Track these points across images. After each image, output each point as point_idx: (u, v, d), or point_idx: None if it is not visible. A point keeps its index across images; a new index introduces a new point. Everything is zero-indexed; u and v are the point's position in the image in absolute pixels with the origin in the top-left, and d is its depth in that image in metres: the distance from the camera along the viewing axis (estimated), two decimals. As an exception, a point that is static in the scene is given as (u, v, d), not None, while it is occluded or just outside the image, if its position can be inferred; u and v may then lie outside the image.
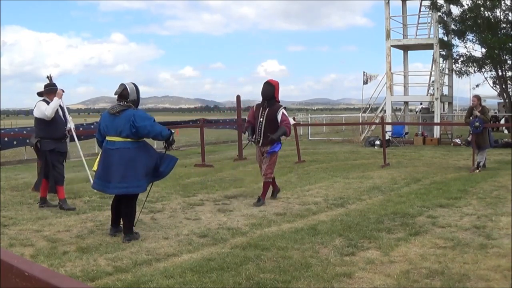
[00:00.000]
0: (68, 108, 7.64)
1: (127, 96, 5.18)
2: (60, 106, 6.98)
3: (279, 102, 7.12)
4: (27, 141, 7.41)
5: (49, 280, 1.10)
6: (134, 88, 5.26)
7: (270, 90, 7.00)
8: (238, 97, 13.64)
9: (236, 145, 14.74)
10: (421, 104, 22.78)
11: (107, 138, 5.18)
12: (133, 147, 5.08)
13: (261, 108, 7.07)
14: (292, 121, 7.75)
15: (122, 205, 5.26)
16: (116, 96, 5.23)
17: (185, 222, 5.97)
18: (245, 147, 8.62)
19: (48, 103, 6.76)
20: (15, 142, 13.73)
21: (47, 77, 7.02)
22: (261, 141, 7.04)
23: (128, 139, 5.06)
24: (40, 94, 6.93)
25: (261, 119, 6.99)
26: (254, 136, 7.11)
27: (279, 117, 6.94)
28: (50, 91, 6.86)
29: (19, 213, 6.47)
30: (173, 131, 5.46)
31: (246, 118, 7.55)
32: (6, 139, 13.17)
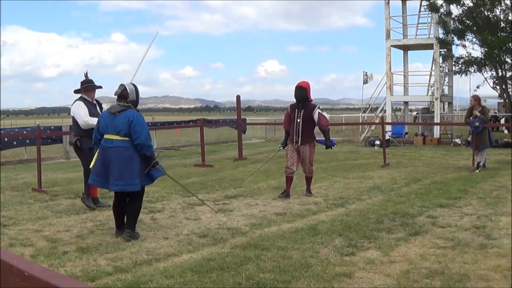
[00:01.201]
0: (68, 108, 7.54)
1: (126, 97, 5.24)
2: (97, 102, 6.84)
3: (311, 101, 7.52)
4: (69, 140, 7.16)
5: (49, 280, 1.10)
6: (134, 88, 5.32)
7: (303, 93, 7.42)
8: (238, 97, 13.63)
9: (236, 145, 14.73)
10: (417, 113, 22.78)
11: (105, 136, 5.23)
12: (130, 146, 5.12)
13: (296, 110, 7.50)
14: (327, 116, 8.11)
15: (128, 202, 5.31)
16: (116, 96, 5.29)
17: (185, 222, 5.97)
18: (275, 154, 8.87)
19: (85, 100, 6.61)
20: (15, 142, 13.73)
21: (84, 74, 6.80)
22: (299, 140, 7.46)
23: (126, 138, 5.12)
24: (77, 91, 6.74)
25: (298, 120, 7.41)
26: (285, 142, 7.67)
27: (315, 117, 7.41)
28: (87, 88, 6.68)
29: (19, 213, 6.47)
30: (156, 156, 5.33)
31: (283, 123, 7.95)
32: (6, 139, 13.16)
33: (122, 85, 5.32)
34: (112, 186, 5.17)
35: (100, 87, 6.88)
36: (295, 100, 7.52)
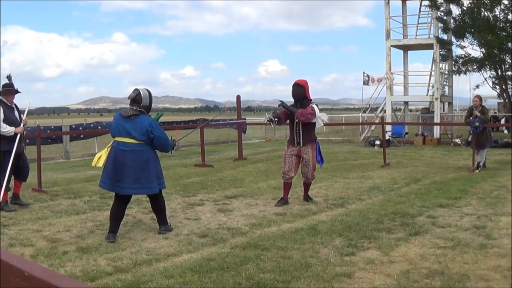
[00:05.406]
0: (68, 108, 7.51)
1: (140, 101, 5.28)
2: (16, 107, 6.90)
3: (311, 100, 7.02)
4: None
5: (49, 280, 1.10)
6: (147, 94, 5.36)
7: (301, 90, 6.94)
8: (238, 97, 13.62)
9: (236, 145, 14.73)
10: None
11: (118, 139, 5.25)
12: (146, 149, 5.22)
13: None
14: (323, 121, 7.30)
15: (152, 203, 5.50)
16: (129, 100, 5.35)
17: (185, 222, 5.97)
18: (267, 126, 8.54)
19: (5, 104, 6.68)
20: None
21: (7, 77, 6.89)
22: (301, 141, 7.01)
23: (142, 142, 5.18)
24: None
25: (297, 120, 6.91)
26: (273, 119, 6.99)
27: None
28: (7, 92, 6.76)
29: (19, 213, 6.47)
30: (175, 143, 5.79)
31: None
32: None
33: (136, 89, 5.36)
34: (127, 189, 5.18)
35: (20, 91, 6.91)
36: (292, 100, 7.05)
